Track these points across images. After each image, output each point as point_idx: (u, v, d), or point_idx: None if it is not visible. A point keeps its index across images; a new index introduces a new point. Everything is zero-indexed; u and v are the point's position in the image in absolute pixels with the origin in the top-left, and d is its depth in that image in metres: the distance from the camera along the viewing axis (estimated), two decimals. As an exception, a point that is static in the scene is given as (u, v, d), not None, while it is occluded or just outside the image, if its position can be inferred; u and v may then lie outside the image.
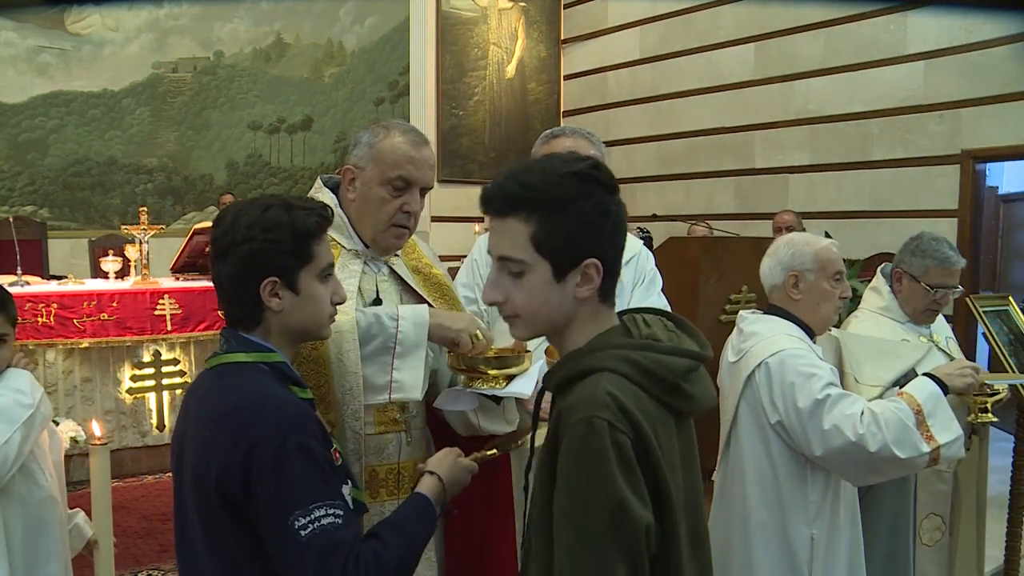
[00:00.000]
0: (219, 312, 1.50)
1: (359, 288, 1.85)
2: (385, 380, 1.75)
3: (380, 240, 1.86)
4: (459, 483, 1.54)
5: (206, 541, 1.35)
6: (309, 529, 1.27)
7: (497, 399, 1.89)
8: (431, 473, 1.51)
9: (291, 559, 1.29)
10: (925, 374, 2.20)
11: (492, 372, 1.76)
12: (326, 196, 1.89)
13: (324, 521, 1.29)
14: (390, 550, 1.35)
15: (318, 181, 1.97)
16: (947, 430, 2.07)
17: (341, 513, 1.32)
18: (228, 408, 1.35)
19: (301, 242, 1.41)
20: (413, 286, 1.95)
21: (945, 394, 2.13)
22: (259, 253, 1.38)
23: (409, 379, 1.75)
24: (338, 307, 1.53)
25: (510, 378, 1.79)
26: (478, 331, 1.80)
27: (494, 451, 1.66)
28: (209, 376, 1.44)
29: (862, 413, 2.04)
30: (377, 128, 1.86)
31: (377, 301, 1.88)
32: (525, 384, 1.80)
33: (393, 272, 1.95)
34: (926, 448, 2.04)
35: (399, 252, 1.97)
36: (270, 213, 1.39)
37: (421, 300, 1.96)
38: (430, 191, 1.89)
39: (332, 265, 1.49)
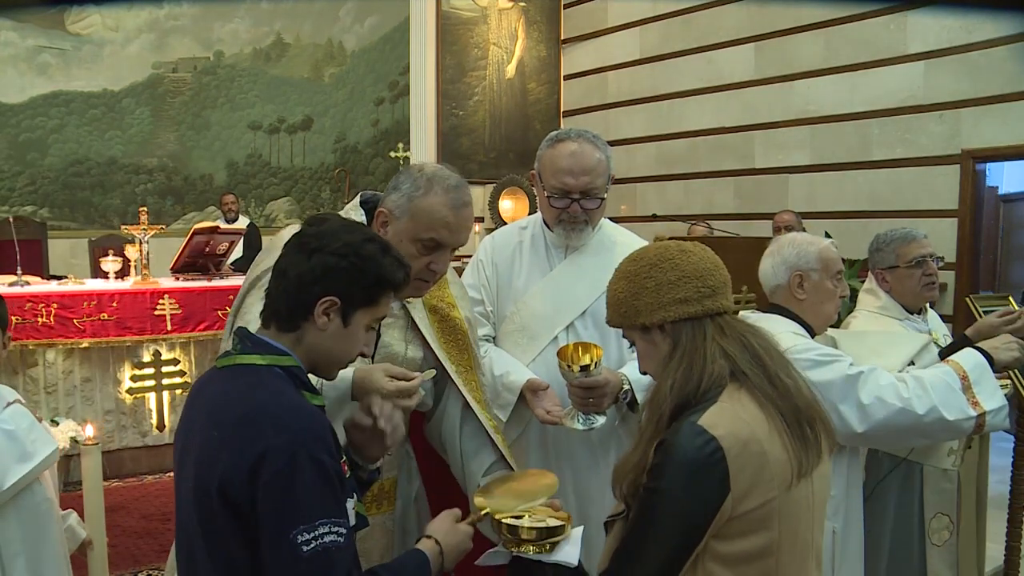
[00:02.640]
0: (267, 299, 1.45)
1: None
2: None
3: None
4: (459, 547, 1.53)
5: (204, 541, 1.34)
6: (312, 545, 1.26)
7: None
8: (429, 537, 1.51)
9: (287, 572, 1.27)
10: (972, 346, 2.21)
11: (537, 541, 1.74)
12: (357, 216, 1.84)
13: (327, 539, 1.27)
14: None
15: (358, 198, 1.90)
16: (993, 398, 2.09)
17: (344, 532, 1.30)
18: (242, 411, 1.33)
19: (377, 286, 1.41)
20: (419, 325, 1.89)
21: (992, 367, 2.14)
22: (340, 271, 1.37)
23: None
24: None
25: (554, 544, 1.76)
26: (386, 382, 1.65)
27: (487, 512, 1.64)
28: (220, 375, 1.42)
29: (902, 381, 2.06)
30: (420, 178, 1.75)
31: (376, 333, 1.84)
32: (571, 552, 1.77)
33: (403, 307, 1.89)
34: (972, 412, 2.06)
35: None
36: (370, 246, 1.40)
37: (425, 341, 1.90)
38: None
39: (381, 320, 1.48)
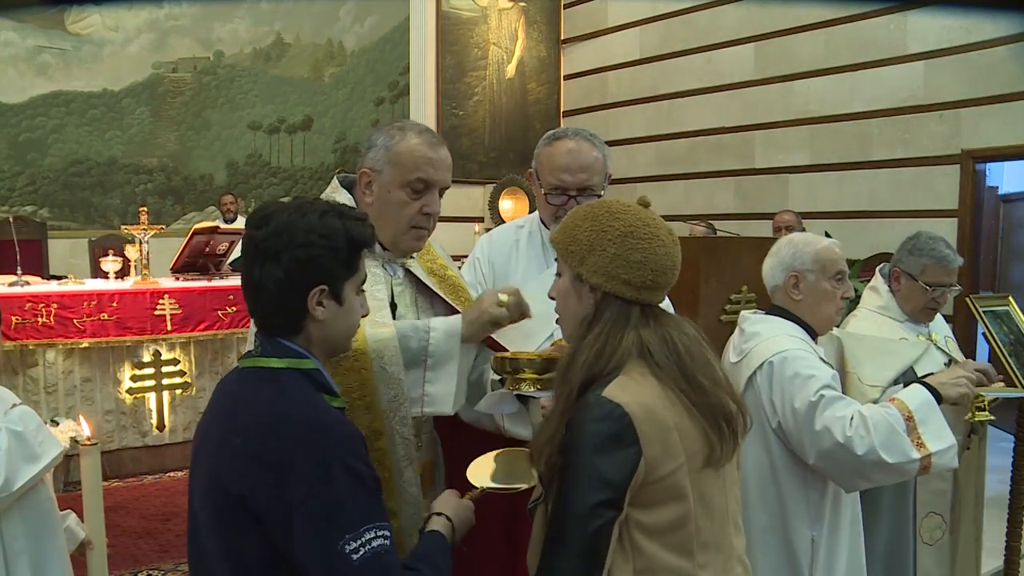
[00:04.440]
0: (253, 317, 1.44)
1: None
2: (418, 393, 1.75)
3: (400, 242, 1.86)
4: (467, 522, 1.55)
5: (217, 538, 1.33)
6: (361, 553, 1.24)
7: (526, 401, 1.87)
8: (439, 514, 1.51)
9: None
10: (919, 381, 2.16)
11: (537, 375, 1.74)
12: (342, 197, 1.88)
13: (375, 544, 1.26)
14: None
15: (334, 181, 1.95)
16: (939, 438, 2.03)
17: (389, 534, 1.29)
18: (264, 420, 1.31)
19: (353, 252, 1.40)
20: (431, 287, 1.94)
21: (939, 403, 2.09)
22: (316, 260, 1.35)
23: (441, 392, 1.75)
24: (375, 316, 1.53)
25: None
26: (502, 296, 1.80)
27: (482, 488, 1.63)
28: (241, 376, 1.41)
29: (851, 417, 2.01)
30: (392, 130, 1.85)
31: (392, 306, 1.87)
32: None
33: (408, 274, 1.95)
34: (916, 455, 2.00)
35: (415, 254, 1.96)
36: (326, 219, 1.37)
37: (438, 301, 1.95)
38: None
39: (364, 280, 1.48)
